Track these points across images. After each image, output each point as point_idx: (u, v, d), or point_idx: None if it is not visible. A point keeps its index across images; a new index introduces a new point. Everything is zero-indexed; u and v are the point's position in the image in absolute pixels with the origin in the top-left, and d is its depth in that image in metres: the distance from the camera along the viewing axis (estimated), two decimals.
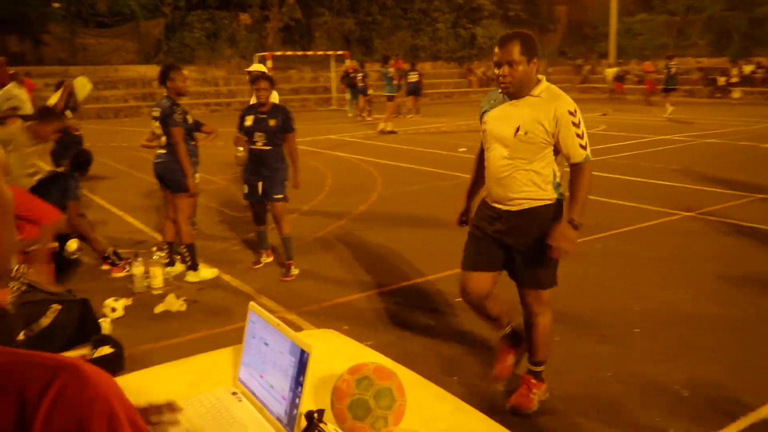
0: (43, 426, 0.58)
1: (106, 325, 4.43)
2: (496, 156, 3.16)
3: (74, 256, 6.10)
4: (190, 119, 5.50)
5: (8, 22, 23.05)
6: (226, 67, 25.39)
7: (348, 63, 22.51)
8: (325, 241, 6.65)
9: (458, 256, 3.44)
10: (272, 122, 5.44)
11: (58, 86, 9.20)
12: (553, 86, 3.12)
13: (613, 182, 9.14)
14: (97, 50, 24.58)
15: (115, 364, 3.85)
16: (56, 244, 5.31)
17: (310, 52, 27.28)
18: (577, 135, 3.00)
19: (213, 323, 4.69)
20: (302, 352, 1.60)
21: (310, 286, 5.41)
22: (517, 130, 3.04)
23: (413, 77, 19.86)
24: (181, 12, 26.70)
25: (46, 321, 3.85)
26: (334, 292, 5.21)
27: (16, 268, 4.46)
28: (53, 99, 9.00)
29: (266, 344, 1.76)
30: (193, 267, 5.60)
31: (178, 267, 5.76)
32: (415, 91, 20.06)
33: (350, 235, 6.85)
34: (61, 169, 6.00)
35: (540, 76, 3.11)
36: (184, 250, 5.61)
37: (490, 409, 3.24)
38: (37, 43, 24.31)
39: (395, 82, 17.84)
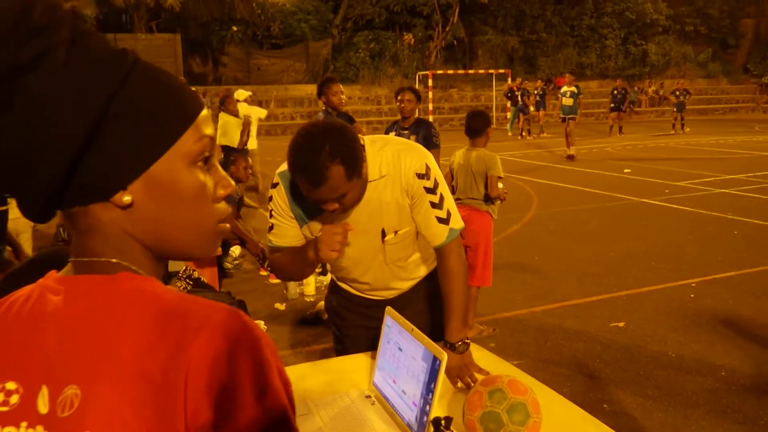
0: (197, 348, 0.63)
1: (261, 326, 4.60)
2: (365, 271, 2.20)
3: (236, 262, 6.44)
4: None
5: (195, 45, 25.24)
6: (389, 86, 25.95)
7: (510, 82, 22.27)
8: None
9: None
10: (412, 138, 5.01)
11: (221, 102, 9.69)
12: (378, 140, 2.03)
13: None
14: (270, 70, 26.15)
15: None
16: (219, 249, 5.61)
17: (471, 71, 27.26)
18: (432, 204, 1.99)
19: None
20: (434, 358, 1.56)
21: None
22: (383, 235, 2.07)
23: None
24: (347, 33, 27.80)
25: None
26: (485, 308, 5.07)
27: (183, 269, 4.77)
28: (224, 118, 9.56)
29: (400, 349, 1.74)
30: None
31: (330, 276, 5.87)
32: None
33: (503, 252, 6.68)
34: None
35: (361, 140, 1.91)
36: None
37: None
38: (216, 64, 26.35)
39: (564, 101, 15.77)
